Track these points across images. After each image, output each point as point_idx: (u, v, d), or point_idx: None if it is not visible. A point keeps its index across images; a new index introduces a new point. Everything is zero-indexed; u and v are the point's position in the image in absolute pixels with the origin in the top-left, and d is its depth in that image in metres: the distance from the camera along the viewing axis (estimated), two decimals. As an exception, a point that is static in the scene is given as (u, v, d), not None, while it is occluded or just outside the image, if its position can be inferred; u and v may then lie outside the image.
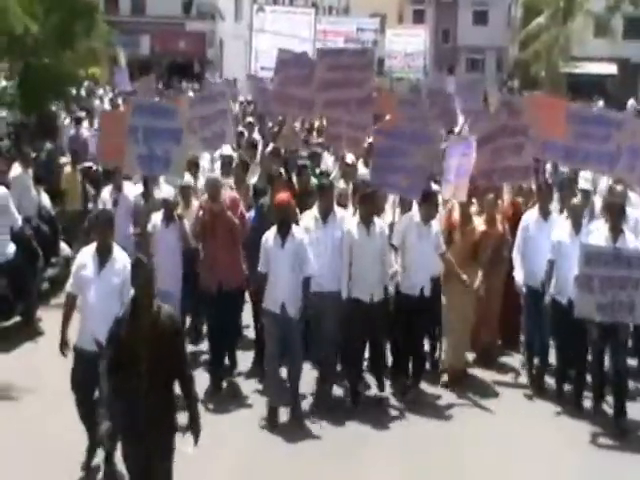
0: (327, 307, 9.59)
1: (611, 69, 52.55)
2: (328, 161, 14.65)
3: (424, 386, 10.15)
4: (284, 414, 9.22)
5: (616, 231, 9.44)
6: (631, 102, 35.00)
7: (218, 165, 13.09)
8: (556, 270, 9.85)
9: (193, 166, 12.22)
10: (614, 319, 9.17)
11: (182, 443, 6.50)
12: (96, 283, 7.67)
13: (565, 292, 9.70)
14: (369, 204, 9.79)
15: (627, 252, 9.19)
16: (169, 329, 6.34)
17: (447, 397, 9.99)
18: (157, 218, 10.18)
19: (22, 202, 12.11)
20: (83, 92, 25.37)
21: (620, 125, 11.05)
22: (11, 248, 11.30)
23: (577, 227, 9.89)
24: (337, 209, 9.98)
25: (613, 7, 49.37)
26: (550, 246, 9.93)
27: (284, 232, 9.19)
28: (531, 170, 11.27)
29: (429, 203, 10.00)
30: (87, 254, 7.95)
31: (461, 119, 16.08)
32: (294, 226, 9.35)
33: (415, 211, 10.19)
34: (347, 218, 9.97)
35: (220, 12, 47.90)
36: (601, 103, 32.85)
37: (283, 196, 9.49)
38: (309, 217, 9.87)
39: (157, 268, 8.98)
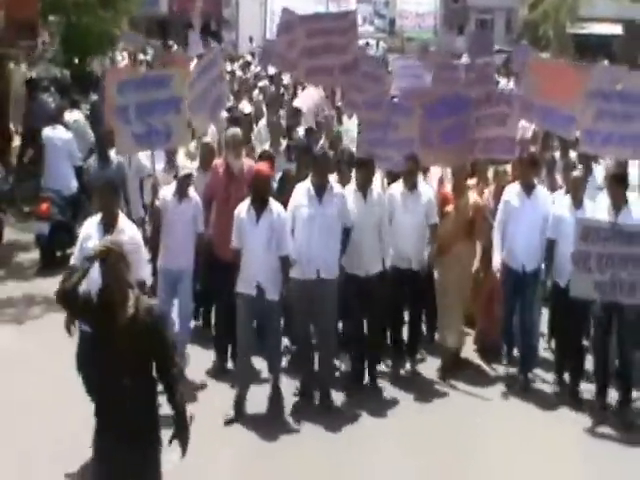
0: (324, 295, 8.75)
1: (617, 30, 53.20)
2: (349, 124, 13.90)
3: (423, 369, 9.75)
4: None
5: (618, 204, 8.68)
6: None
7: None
8: (556, 249, 9.10)
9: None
10: (614, 299, 8.49)
11: (168, 451, 5.77)
12: None
13: (564, 273, 8.93)
14: (366, 170, 9.14)
15: (628, 227, 8.42)
16: (149, 325, 5.58)
17: (443, 384, 9.50)
18: (168, 192, 9.26)
19: (80, 144, 13.64)
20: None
21: None
22: (74, 183, 12.88)
23: (577, 202, 9.07)
24: (334, 184, 9.07)
25: (620, -33, 50.08)
26: (549, 224, 9.14)
27: (259, 206, 8.38)
28: (515, 143, 10.32)
29: (363, 168, 9.22)
30: (92, 225, 7.59)
31: None
32: (272, 200, 8.52)
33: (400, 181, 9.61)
34: (344, 194, 9.00)
35: (236, -28, 48.71)
36: (606, 62, 33.71)
37: (263, 167, 8.78)
38: (302, 192, 8.86)
39: (168, 246, 9.10)
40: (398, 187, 9.54)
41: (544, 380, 9.63)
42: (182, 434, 5.65)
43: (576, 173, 9.39)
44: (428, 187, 9.79)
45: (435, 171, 10.75)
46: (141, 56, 24.63)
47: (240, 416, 8.43)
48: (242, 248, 8.47)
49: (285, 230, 8.46)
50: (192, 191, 9.25)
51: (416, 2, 55.48)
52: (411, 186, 9.41)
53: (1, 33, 15.09)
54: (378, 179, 9.89)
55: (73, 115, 14.65)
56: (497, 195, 9.82)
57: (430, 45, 34.50)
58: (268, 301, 8.45)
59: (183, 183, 9.14)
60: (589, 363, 9.32)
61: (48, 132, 13.22)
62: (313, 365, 9.02)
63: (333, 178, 9.45)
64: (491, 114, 10.01)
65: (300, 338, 9.14)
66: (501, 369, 9.85)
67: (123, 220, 7.60)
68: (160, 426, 5.77)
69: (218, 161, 9.97)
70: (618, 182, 8.75)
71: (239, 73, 23.25)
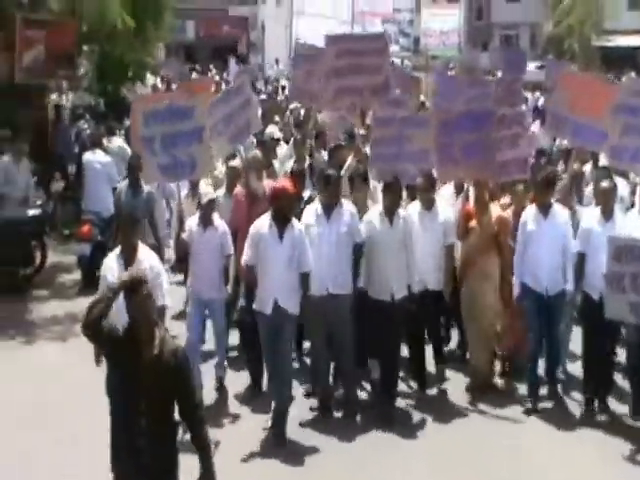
0: (337, 311, 8.75)
1: (643, 42, 53.25)
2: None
3: (450, 388, 9.56)
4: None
5: None
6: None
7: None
8: (586, 262, 8.86)
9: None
10: None
11: None
12: None
13: (596, 286, 8.65)
14: (394, 193, 8.96)
15: None
16: (173, 367, 5.45)
17: (468, 405, 9.28)
18: (192, 223, 9.23)
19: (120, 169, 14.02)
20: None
21: None
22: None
23: (608, 214, 8.80)
24: (345, 202, 8.99)
25: (645, -20, 50.25)
26: (578, 237, 8.95)
27: (282, 223, 8.25)
28: (528, 163, 10.23)
29: (390, 191, 9.04)
30: (112, 258, 7.62)
31: None
32: (293, 218, 8.44)
33: (417, 201, 9.54)
34: (354, 211, 8.96)
35: (262, -4, 49.34)
36: (633, 74, 33.77)
37: (284, 184, 8.64)
38: (310, 212, 8.88)
39: (196, 274, 9.11)
40: (415, 207, 9.49)
41: (573, 399, 9.39)
42: (207, 477, 5.54)
43: (605, 184, 9.03)
44: (445, 205, 9.71)
45: (447, 188, 10.54)
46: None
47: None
48: (257, 264, 8.33)
49: (307, 247, 8.34)
50: (217, 218, 9.21)
51: (440, 20, 55.93)
52: (428, 205, 9.36)
53: (41, 65, 15.51)
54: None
55: (117, 141, 15.08)
56: (517, 216, 9.49)
57: (453, 62, 34.83)
58: (287, 316, 8.28)
59: (207, 210, 9.10)
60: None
61: (88, 156, 13.75)
62: (328, 381, 9.09)
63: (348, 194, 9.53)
64: (504, 136, 9.81)
65: (316, 355, 9.14)
66: (524, 389, 9.45)
67: (143, 250, 7.59)
68: (178, 469, 5.66)
69: (238, 188, 9.97)
70: None
71: (263, 96, 23.62)
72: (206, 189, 9.90)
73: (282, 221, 8.24)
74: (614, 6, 50.36)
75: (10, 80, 14.97)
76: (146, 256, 7.52)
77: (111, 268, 7.45)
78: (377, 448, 8.24)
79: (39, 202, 13.78)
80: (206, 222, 9.10)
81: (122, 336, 5.49)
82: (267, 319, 8.31)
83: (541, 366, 9.40)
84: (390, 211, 8.89)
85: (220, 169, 11.48)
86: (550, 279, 8.98)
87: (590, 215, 9.06)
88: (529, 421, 8.90)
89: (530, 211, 9.17)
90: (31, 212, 13.02)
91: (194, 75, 29.83)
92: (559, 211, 9.14)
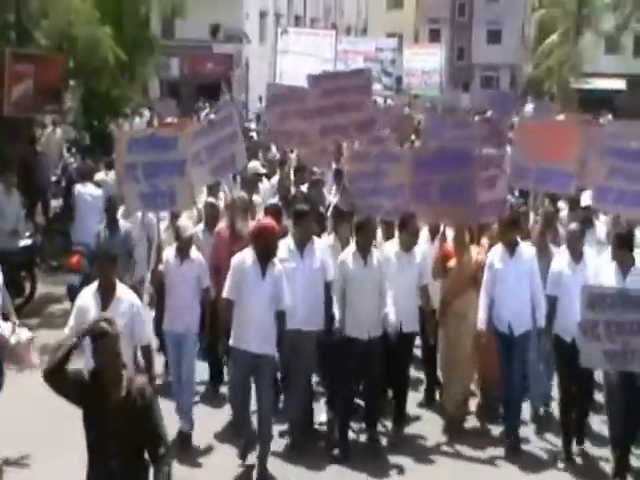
0: (304, 347, 8.85)
1: (620, 84, 54.14)
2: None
3: (426, 429, 9.58)
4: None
5: (626, 265, 8.37)
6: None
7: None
8: (557, 305, 8.85)
9: (213, 186, 11.94)
10: (626, 369, 8.03)
11: None
12: None
13: (568, 329, 8.66)
14: (367, 232, 9.03)
15: (637, 293, 8.00)
16: (141, 406, 5.45)
17: (444, 445, 9.31)
18: (170, 254, 9.19)
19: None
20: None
21: None
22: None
23: (576, 256, 8.81)
24: (315, 238, 9.13)
25: (621, 25, 51.23)
26: (549, 280, 8.91)
27: (265, 261, 8.26)
28: (506, 204, 10.12)
29: (408, 229, 9.26)
30: (88, 294, 7.50)
31: None
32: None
33: (396, 239, 9.52)
34: (325, 248, 9.15)
35: (246, 35, 49.79)
36: (610, 117, 34.33)
37: (269, 222, 8.73)
38: (283, 247, 8.89)
39: (171, 307, 9.03)
40: (392, 246, 9.40)
41: (550, 442, 9.38)
42: None
43: (573, 226, 9.04)
44: (421, 246, 9.62)
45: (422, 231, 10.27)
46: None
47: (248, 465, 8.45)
48: (235, 300, 8.28)
49: (284, 284, 8.32)
50: (194, 251, 9.16)
51: (422, 60, 56.37)
52: (408, 247, 9.28)
53: (30, 99, 15.79)
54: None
55: (111, 174, 15.35)
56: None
57: (430, 101, 35.26)
58: (264, 356, 8.25)
59: (185, 244, 9.05)
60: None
61: (80, 188, 14.14)
62: (301, 413, 9.09)
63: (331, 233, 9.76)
64: (482, 178, 9.74)
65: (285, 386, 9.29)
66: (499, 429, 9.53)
67: (120, 288, 7.49)
68: None
69: (221, 225, 10.05)
70: (623, 244, 8.37)
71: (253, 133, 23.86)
72: (186, 222, 9.80)
73: (265, 259, 8.23)
74: (592, 50, 51.36)
75: (-1, 114, 15.23)
76: (125, 294, 7.46)
77: (86, 305, 7.37)
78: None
79: (28, 234, 13.99)
80: (183, 255, 9.05)
81: (88, 380, 5.46)
82: (244, 357, 8.24)
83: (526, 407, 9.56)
84: (364, 250, 8.90)
85: (199, 205, 11.51)
86: (515, 319, 8.99)
87: (560, 258, 9.00)
88: (503, 464, 8.89)
89: (496, 250, 9.17)
90: (21, 243, 13.26)
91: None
92: (525, 250, 9.13)
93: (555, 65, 52.68)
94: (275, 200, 11.76)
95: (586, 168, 10.49)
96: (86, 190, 13.94)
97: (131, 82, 20.74)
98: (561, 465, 8.87)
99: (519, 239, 9.21)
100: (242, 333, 8.25)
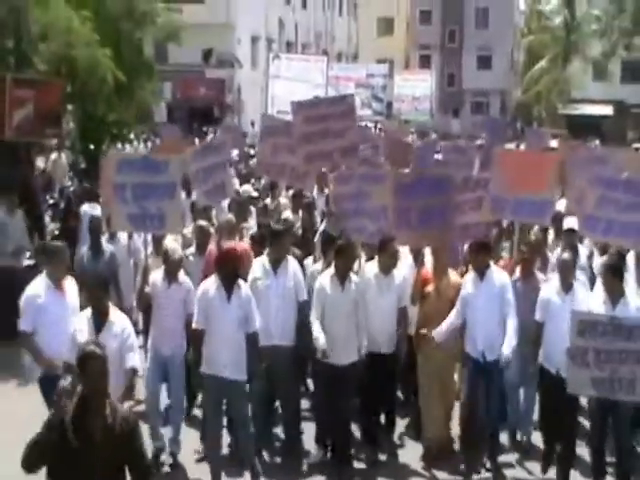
0: (280, 363, 8.89)
1: (607, 110, 54.81)
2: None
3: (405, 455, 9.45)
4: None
5: (615, 295, 8.32)
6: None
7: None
8: (544, 333, 8.80)
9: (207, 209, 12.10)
10: (613, 397, 7.98)
11: None
12: None
13: (554, 359, 8.60)
14: (346, 257, 8.93)
15: (627, 321, 7.90)
16: (125, 434, 5.41)
17: (422, 472, 9.14)
18: (157, 277, 9.17)
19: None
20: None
21: None
22: None
23: (566, 285, 8.74)
24: (290, 258, 9.24)
25: (609, 52, 52.02)
26: (537, 306, 8.87)
27: (230, 284, 8.25)
28: (491, 226, 10.27)
29: (387, 252, 9.26)
30: (83, 319, 7.57)
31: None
32: (240, 279, 8.45)
33: (375, 261, 9.46)
34: (298, 269, 9.25)
35: (238, 60, 50.29)
36: (597, 142, 34.75)
37: (231, 246, 8.86)
38: (258, 266, 9.09)
39: (158, 330, 9.02)
40: (372, 268, 9.37)
41: (530, 472, 9.21)
42: None
43: (565, 256, 8.98)
44: (402, 269, 9.56)
45: (404, 251, 10.18)
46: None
47: None
48: (206, 328, 8.30)
49: (253, 306, 8.33)
50: (182, 275, 9.16)
51: (412, 86, 57.04)
52: (387, 270, 9.24)
53: (30, 123, 16.13)
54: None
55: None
56: None
57: (426, 127, 35.73)
58: (236, 382, 8.29)
59: (174, 266, 9.04)
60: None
61: (86, 208, 14.51)
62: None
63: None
64: (468, 200, 9.77)
65: (263, 404, 9.25)
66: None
67: (113, 312, 7.56)
68: None
69: (212, 246, 10.13)
70: (613, 273, 8.37)
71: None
72: (172, 245, 9.69)
73: (229, 282, 8.23)
74: (580, 76, 52.17)
75: (0, 138, 15.54)
76: (118, 318, 7.52)
77: (81, 330, 7.41)
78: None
79: (27, 254, 14.28)
80: (171, 278, 9.05)
81: (67, 424, 5.31)
82: (215, 382, 8.26)
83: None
84: (342, 275, 8.84)
85: (189, 229, 11.57)
86: (487, 344, 8.81)
87: (549, 285, 8.98)
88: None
89: (468, 276, 9.10)
90: (26, 262, 13.53)
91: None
92: (496, 274, 9.00)
93: (544, 90, 53.59)
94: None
95: (571, 192, 10.55)
96: (91, 210, 14.22)
97: (129, 106, 21.03)
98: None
99: (491, 263, 9.13)
100: (212, 358, 8.26)
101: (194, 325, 8.40)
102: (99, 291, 7.54)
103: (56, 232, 17.03)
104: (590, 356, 7.83)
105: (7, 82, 15.70)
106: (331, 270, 8.95)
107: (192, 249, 10.53)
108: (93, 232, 11.30)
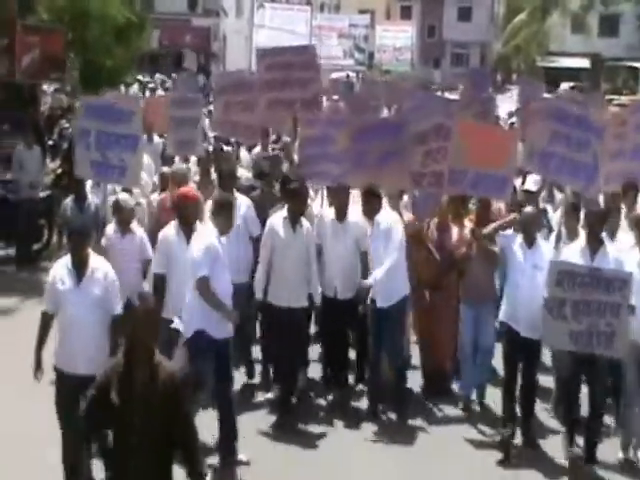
0: (238, 299, 8.16)
1: (584, 63, 55.77)
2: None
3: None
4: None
5: (595, 245, 7.87)
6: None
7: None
8: (507, 291, 8.40)
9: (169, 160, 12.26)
10: (591, 351, 7.55)
11: None
12: (74, 297, 6.79)
13: (517, 317, 8.13)
14: (299, 200, 8.71)
15: (607, 273, 7.54)
16: (169, 390, 5.12)
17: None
18: (110, 229, 8.98)
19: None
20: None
21: (600, 133, 9.14)
22: None
23: (529, 240, 8.25)
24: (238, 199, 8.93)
25: (587, 6, 52.97)
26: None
27: (189, 228, 8.02)
28: (445, 177, 9.37)
29: (338, 197, 9.06)
30: (62, 267, 7.03)
31: None
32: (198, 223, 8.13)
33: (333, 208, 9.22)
34: (249, 205, 9.23)
35: (224, 8, 50.95)
36: (568, 86, 35.00)
37: (187, 190, 8.58)
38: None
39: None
40: (329, 214, 9.16)
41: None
42: None
43: (528, 209, 8.56)
44: (354, 214, 9.07)
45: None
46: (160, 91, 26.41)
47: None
48: (166, 273, 8.12)
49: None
50: (135, 225, 9.06)
51: (393, 36, 57.88)
52: (342, 216, 9.01)
53: (37, 67, 17.17)
54: (318, 199, 9.92)
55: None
56: (440, 230, 9.46)
57: (408, 77, 36.56)
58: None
59: (126, 217, 8.90)
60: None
61: None
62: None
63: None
64: (440, 148, 9.28)
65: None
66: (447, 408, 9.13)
67: (95, 259, 7.04)
68: None
69: (164, 195, 10.06)
70: (599, 222, 7.95)
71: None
72: (123, 195, 9.37)
73: (188, 226, 8.07)
74: (559, 30, 53.12)
75: (11, 80, 16.55)
76: (100, 264, 7.03)
77: (61, 278, 6.94)
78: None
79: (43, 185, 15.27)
80: (124, 228, 8.92)
81: (116, 369, 5.21)
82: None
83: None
84: (294, 218, 8.62)
85: (146, 179, 11.34)
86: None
87: (513, 242, 8.42)
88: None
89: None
90: (41, 194, 14.49)
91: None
92: (384, 218, 8.83)
93: (523, 43, 54.39)
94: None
95: (529, 133, 10.10)
96: None
97: (126, 54, 22.01)
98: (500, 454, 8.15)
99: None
100: (173, 302, 7.94)
101: (154, 269, 8.34)
102: (79, 241, 6.96)
103: (59, 171, 18.01)
104: (568, 308, 7.48)
105: (17, 28, 16.72)
106: (284, 212, 8.72)
107: (155, 195, 10.79)
108: (77, 183, 10.78)
